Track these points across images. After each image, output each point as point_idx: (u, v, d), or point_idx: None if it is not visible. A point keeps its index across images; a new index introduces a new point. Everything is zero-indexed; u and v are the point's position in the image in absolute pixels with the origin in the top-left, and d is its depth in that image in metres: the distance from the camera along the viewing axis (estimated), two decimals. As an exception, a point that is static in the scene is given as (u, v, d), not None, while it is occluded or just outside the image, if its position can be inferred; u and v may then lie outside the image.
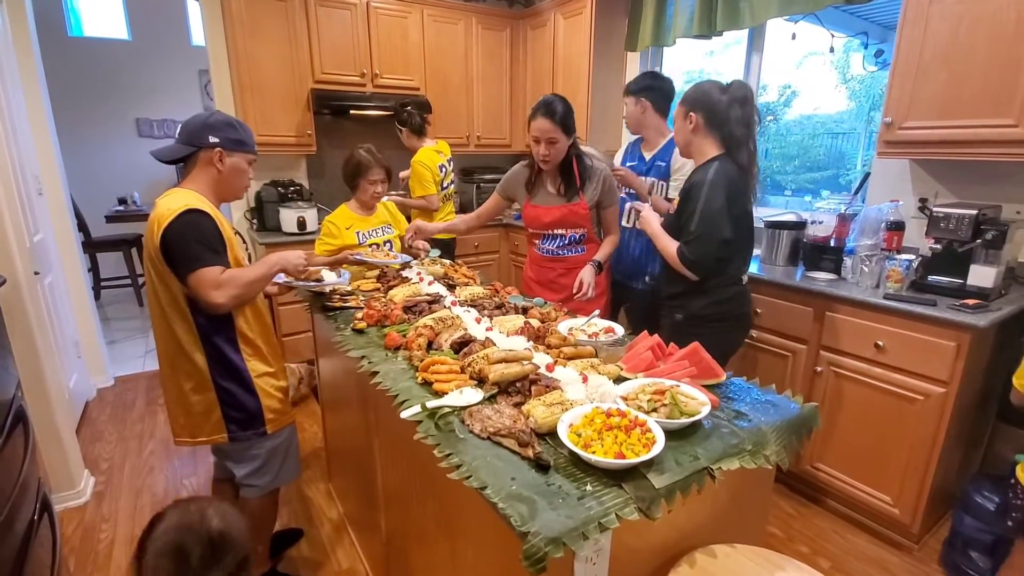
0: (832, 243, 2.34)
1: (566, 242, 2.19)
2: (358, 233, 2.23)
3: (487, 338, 1.41)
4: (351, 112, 3.64)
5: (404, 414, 1.09)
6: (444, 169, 3.23)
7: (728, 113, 1.72)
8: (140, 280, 5.22)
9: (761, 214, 2.99)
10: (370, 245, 2.24)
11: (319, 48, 3.36)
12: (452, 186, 3.38)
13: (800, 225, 2.49)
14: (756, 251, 2.79)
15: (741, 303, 1.88)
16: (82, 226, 4.65)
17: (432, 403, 1.11)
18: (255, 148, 1.65)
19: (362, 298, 1.86)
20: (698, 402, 1.06)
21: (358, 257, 2.07)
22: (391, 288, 1.92)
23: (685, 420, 1.01)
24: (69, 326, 3.09)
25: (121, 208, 5.31)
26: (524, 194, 2.23)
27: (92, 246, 4.92)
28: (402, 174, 3.35)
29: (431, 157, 3.15)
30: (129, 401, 3.30)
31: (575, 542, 0.77)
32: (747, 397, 1.19)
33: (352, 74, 3.50)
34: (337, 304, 1.81)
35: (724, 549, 1.01)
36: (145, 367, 3.79)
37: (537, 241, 2.26)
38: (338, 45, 3.43)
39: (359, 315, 1.66)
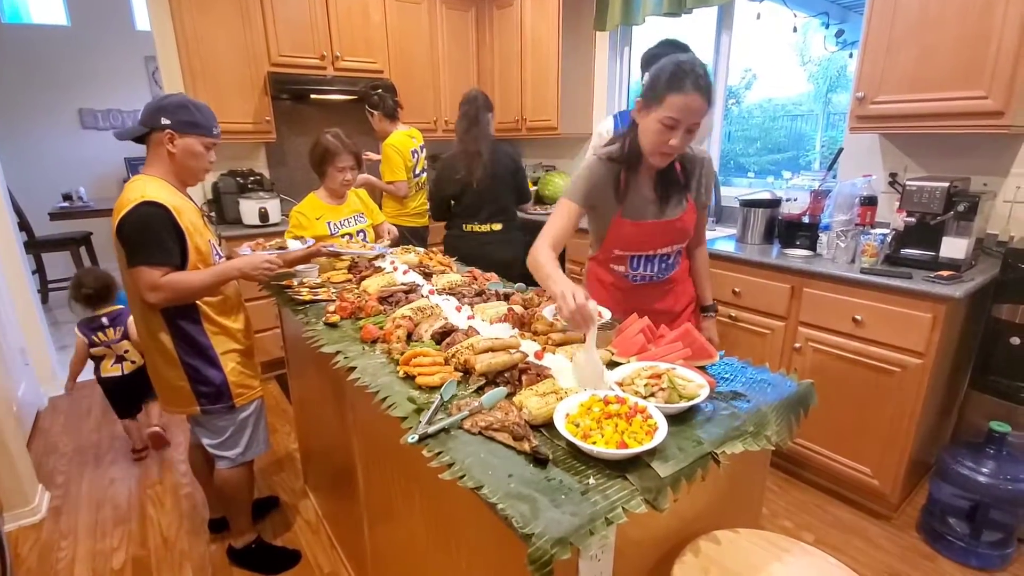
0: (807, 220, 2.35)
1: (669, 262, 1.63)
2: (329, 223, 2.12)
3: (470, 327, 1.34)
4: (312, 97, 3.48)
5: (409, 439, 0.94)
6: (416, 155, 3.12)
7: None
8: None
9: (733, 193, 3.01)
10: (343, 235, 2.14)
11: (275, 29, 3.18)
12: (425, 174, 3.27)
13: (775, 203, 2.49)
14: (732, 230, 2.81)
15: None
16: (24, 225, 4.36)
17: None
18: (213, 131, 1.62)
19: (333, 291, 1.77)
20: (696, 384, 1.02)
21: (332, 249, 1.98)
22: (364, 279, 1.83)
23: (685, 404, 0.97)
24: (14, 332, 2.88)
25: (66, 205, 4.99)
26: (613, 204, 1.53)
27: (36, 246, 4.62)
28: (369, 155, 3.21)
29: (403, 142, 3.03)
30: (84, 409, 3.11)
31: (582, 541, 0.72)
32: (742, 377, 1.16)
33: (311, 56, 3.34)
34: (307, 297, 1.71)
35: (727, 535, 0.98)
36: (101, 372, 3.58)
37: (622, 267, 1.62)
38: (295, 26, 3.26)
39: (331, 308, 1.56)
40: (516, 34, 3.72)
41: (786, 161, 3.48)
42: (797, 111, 3.61)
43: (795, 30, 3.10)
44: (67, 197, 5.12)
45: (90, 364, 2.57)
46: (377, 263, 2.00)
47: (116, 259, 1.57)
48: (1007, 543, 1.84)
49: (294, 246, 1.91)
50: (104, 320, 2.51)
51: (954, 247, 1.92)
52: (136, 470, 2.52)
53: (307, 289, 1.76)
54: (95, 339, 2.49)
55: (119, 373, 2.52)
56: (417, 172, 3.17)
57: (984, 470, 1.79)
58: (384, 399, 1.08)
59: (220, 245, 1.78)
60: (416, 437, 0.93)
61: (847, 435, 2.10)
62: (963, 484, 1.82)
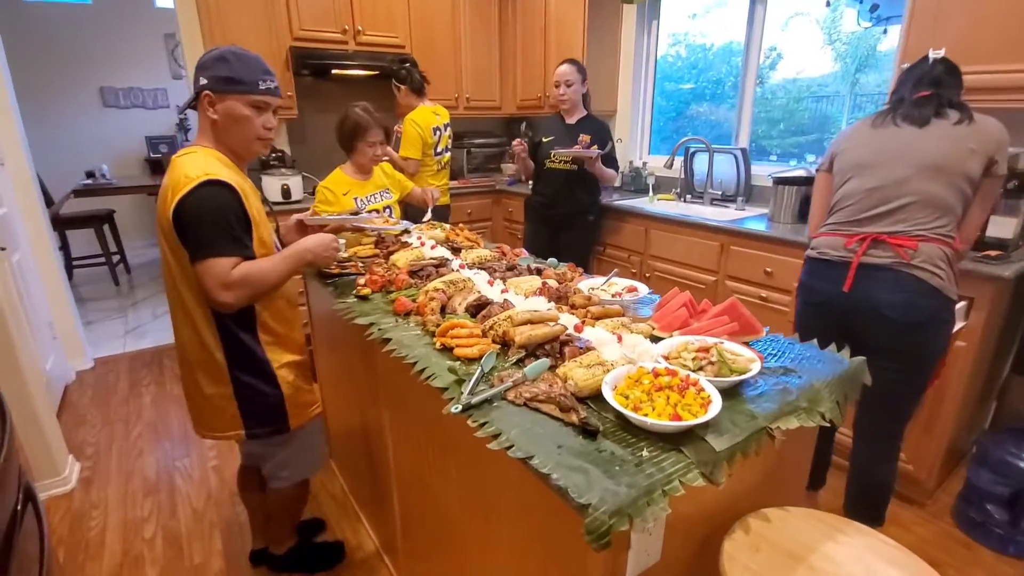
0: (843, 199, 2.27)
1: None
2: (356, 199, 2.10)
3: (505, 300, 1.31)
4: (333, 73, 3.44)
5: (453, 409, 0.92)
6: (439, 133, 3.06)
7: None
8: (115, 258, 5.00)
9: (764, 171, 2.93)
10: (369, 211, 2.11)
11: (296, 2, 3.13)
12: (448, 153, 3.21)
13: (809, 180, 2.42)
14: (763, 210, 2.75)
15: None
16: (49, 202, 4.40)
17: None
18: (258, 85, 1.30)
19: (361, 265, 1.75)
20: (746, 359, 0.99)
21: (358, 224, 1.95)
22: (391, 253, 1.81)
23: (736, 378, 0.94)
24: (42, 306, 2.91)
25: (90, 182, 5.02)
26: None
27: (61, 223, 4.66)
28: (399, 128, 3.15)
29: (426, 117, 2.97)
30: (112, 383, 3.15)
31: (640, 512, 0.69)
32: (790, 352, 1.12)
33: (333, 31, 3.29)
34: (335, 271, 1.70)
35: (777, 512, 0.95)
36: (126, 348, 3.63)
37: None
38: (316, -1, 3.20)
39: (362, 281, 1.54)
40: (540, 9, 3.63)
41: (809, 144, 3.38)
42: (822, 92, 3.50)
43: (828, 4, 2.99)
44: (90, 175, 5.15)
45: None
46: (404, 238, 1.97)
47: (163, 248, 1.29)
48: (1048, 531, 1.79)
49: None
50: None
51: (1002, 226, 1.84)
52: (164, 442, 2.55)
53: (335, 263, 1.74)
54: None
55: None
56: (439, 150, 3.11)
57: (1027, 457, 1.74)
58: (423, 370, 1.06)
59: (278, 234, 1.57)
60: (460, 407, 0.91)
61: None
62: (1004, 471, 1.77)
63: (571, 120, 2.82)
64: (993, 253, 1.78)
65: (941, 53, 1.58)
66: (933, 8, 1.92)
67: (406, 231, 2.04)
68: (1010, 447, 1.78)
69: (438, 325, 1.21)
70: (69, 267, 4.84)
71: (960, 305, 1.69)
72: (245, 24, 3.04)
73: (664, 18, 3.49)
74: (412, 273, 1.58)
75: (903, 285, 1.48)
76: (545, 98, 3.75)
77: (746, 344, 1.10)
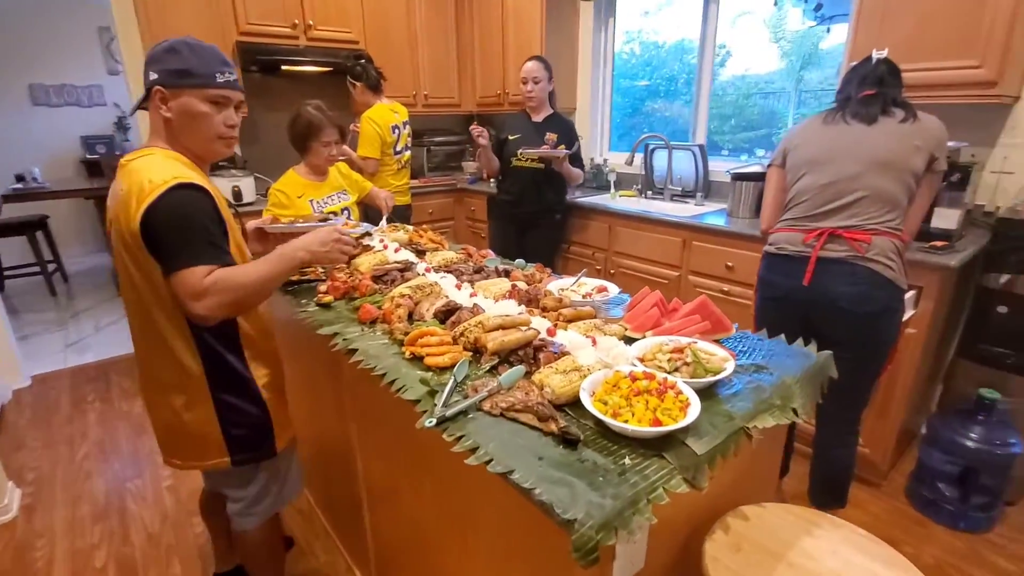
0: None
1: None
2: (312, 202, 2.01)
3: (475, 305, 1.28)
4: (283, 69, 3.30)
5: (427, 423, 0.89)
6: (398, 131, 2.98)
7: None
8: (50, 267, 4.68)
9: (717, 166, 3.00)
10: (327, 213, 2.03)
11: (243, -6, 3.00)
12: (408, 152, 3.13)
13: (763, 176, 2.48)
14: (723, 205, 2.80)
15: None
16: (-26, 209, 4.08)
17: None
18: (215, 78, 1.15)
19: (322, 270, 1.68)
20: (720, 358, 0.99)
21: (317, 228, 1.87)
22: (353, 257, 1.74)
23: (711, 378, 0.94)
24: (-31, 322, 2.70)
25: (20, 186, 4.68)
26: None
27: (-12, 231, 4.34)
28: (355, 126, 3.03)
29: (384, 115, 2.89)
30: (52, 402, 2.95)
31: (626, 524, 0.68)
32: (760, 349, 1.14)
33: (283, 25, 3.16)
34: (295, 277, 1.62)
35: (754, 510, 0.96)
36: (67, 363, 3.40)
37: None
38: (264, -8, 3.07)
39: (322, 288, 1.48)
40: (498, 3, 3.59)
41: (759, 139, 3.48)
42: (770, 89, 3.62)
43: (776, 3, 3.08)
44: (20, 178, 4.81)
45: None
46: (365, 241, 1.91)
47: (124, 264, 1.13)
48: (993, 505, 1.89)
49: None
50: None
51: (946, 217, 1.92)
52: (113, 463, 2.40)
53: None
54: None
55: None
56: (399, 149, 3.04)
57: (974, 436, 1.83)
58: (393, 382, 1.02)
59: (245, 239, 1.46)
60: (434, 421, 0.88)
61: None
62: (953, 450, 1.86)
63: (538, 118, 2.80)
64: (939, 244, 1.87)
65: (884, 53, 1.64)
66: (880, 7, 1.99)
67: (367, 234, 1.98)
68: (957, 427, 1.87)
69: (406, 333, 1.17)
70: (1, 278, 4.52)
71: (909, 294, 1.76)
72: (187, 16, 2.88)
73: (621, 14, 3.51)
74: (376, 278, 1.53)
75: (859, 278, 1.54)
76: (505, 95, 3.72)
77: (717, 342, 1.11)
